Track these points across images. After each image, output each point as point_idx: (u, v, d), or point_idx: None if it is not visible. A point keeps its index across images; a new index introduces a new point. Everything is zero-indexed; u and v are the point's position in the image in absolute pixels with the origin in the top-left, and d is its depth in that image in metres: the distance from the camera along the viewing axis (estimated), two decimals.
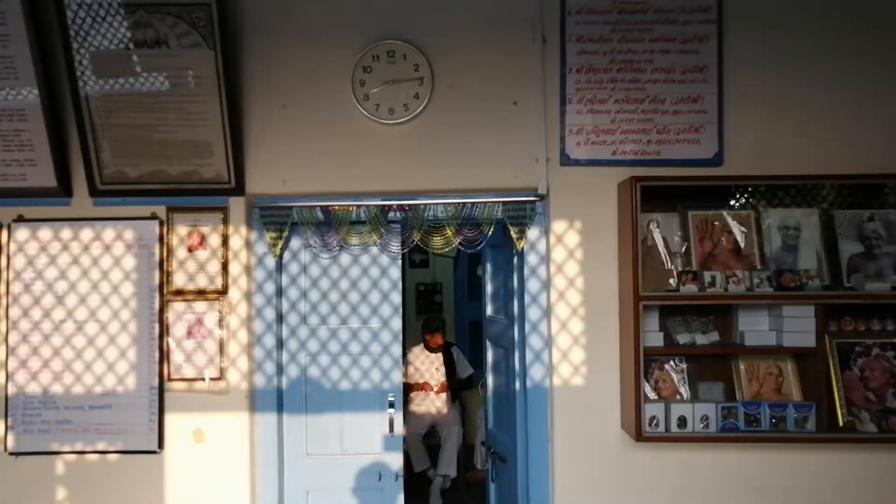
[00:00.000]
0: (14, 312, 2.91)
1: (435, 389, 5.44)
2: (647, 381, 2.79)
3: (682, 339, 2.80)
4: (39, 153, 2.84)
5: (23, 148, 2.84)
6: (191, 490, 2.90)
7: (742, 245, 2.80)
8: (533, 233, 2.92)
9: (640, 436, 2.63)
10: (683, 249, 2.84)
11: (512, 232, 2.90)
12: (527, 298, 2.93)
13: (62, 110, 2.86)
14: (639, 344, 2.63)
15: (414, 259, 7.08)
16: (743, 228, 2.81)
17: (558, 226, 2.90)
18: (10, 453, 2.89)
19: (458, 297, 7.22)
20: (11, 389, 2.89)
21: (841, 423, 2.69)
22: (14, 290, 2.91)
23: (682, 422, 2.67)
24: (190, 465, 2.90)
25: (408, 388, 5.41)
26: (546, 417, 2.90)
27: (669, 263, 2.81)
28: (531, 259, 2.93)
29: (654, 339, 2.75)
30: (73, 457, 2.90)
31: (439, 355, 5.67)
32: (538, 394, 2.91)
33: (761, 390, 2.79)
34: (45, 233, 2.92)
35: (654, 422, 2.68)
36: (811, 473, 2.80)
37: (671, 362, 2.83)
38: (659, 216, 2.85)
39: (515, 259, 3.07)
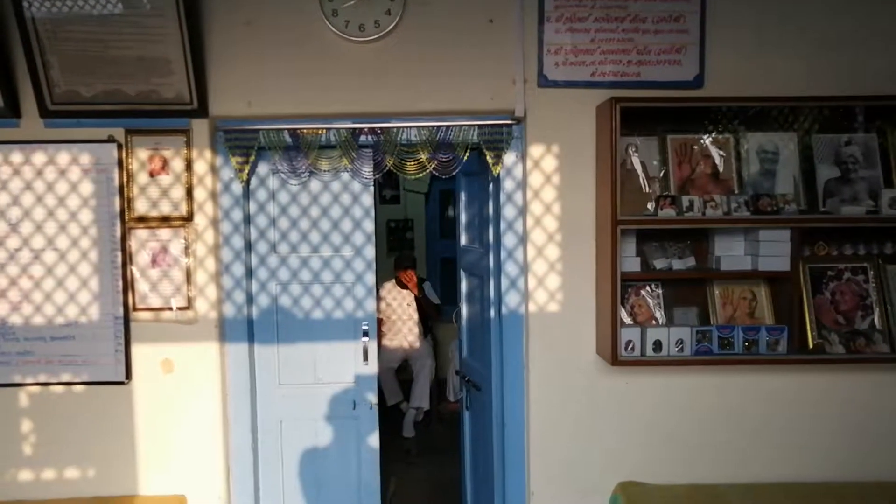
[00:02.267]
0: None
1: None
2: (623, 307, 2.78)
3: (659, 264, 2.78)
4: None
5: None
6: (161, 421, 2.84)
7: (720, 169, 2.77)
8: (509, 157, 2.84)
9: (615, 360, 2.63)
10: (662, 174, 2.80)
11: (488, 157, 2.82)
12: (502, 225, 2.88)
13: (3, 22, 2.65)
14: (616, 269, 2.60)
15: (385, 195, 6.97)
16: (722, 153, 2.77)
17: (535, 150, 2.82)
18: None
19: (429, 233, 7.18)
20: None
21: (811, 346, 2.72)
22: None
23: (658, 346, 2.68)
24: (159, 396, 2.84)
25: (379, 324, 5.40)
26: (521, 344, 2.89)
27: (647, 188, 2.77)
28: (507, 185, 2.86)
29: (631, 264, 2.72)
30: (36, 389, 2.81)
31: (411, 291, 5.65)
32: (513, 321, 2.89)
33: (735, 314, 2.80)
34: None
35: (630, 346, 2.68)
36: (782, 395, 2.84)
37: (647, 288, 2.82)
38: (638, 140, 2.79)
39: (491, 186, 3.00)
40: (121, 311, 2.80)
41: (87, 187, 2.78)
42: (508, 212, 2.87)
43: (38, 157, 2.76)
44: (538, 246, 2.85)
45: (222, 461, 2.87)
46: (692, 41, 2.78)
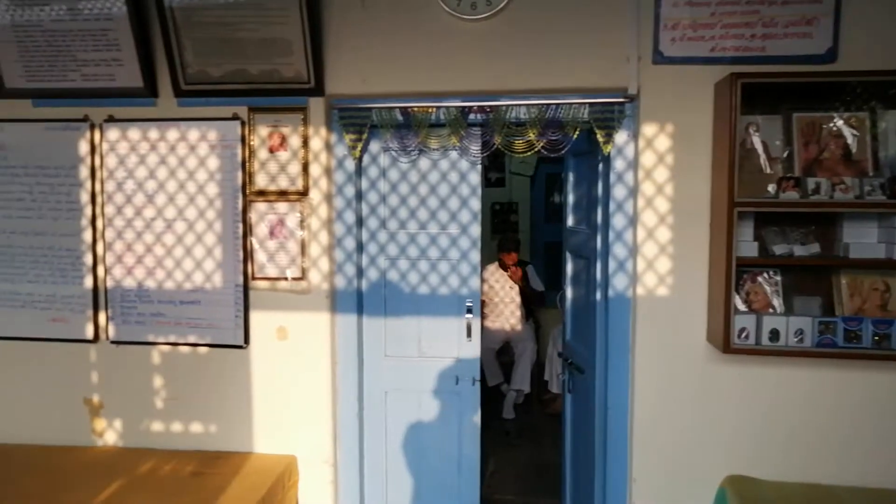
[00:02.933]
0: (109, 210, 3.02)
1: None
2: (738, 293, 2.65)
3: (779, 250, 2.64)
4: (126, 53, 2.88)
5: (110, 48, 2.88)
6: (275, 384, 3.01)
7: (853, 150, 2.58)
8: (620, 136, 2.78)
9: (727, 347, 2.52)
10: (785, 155, 2.64)
11: (598, 136, 2.76)
12: (611, 206, 2.82)
13: (145, 8, 2.86)
14: (731, 253, 2.49)
15: (490, 178, 6.97)
16: (855, 132, 2.58)
17: (648, 129, 2.74)
18: (112, 342, 3.06)
19: (534, 217, 7.11)
20: (110, 283, 3.04)
21: None
22: (108, 189, 3.02)
23: (775, 335, 2.55)
24: (274, 361, 3.00)
25: (481, 306, 5.42)
26: (627, 328, 2.83)
27: (768, 169, 2.62)
28: (618, 164, 2.80)
29: (748, 249, 2.60)
30: (167, 348, 3.05)
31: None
32: (620, 304, 2.83)
33: (864, 306, 2.61)
34: (133, 133, 2.99)
35: (744, 334, 2.56)
36: None
37: (765, 274, 2.68)
38: (759, 119, 2.64)
39: (600, 165, 2.94)
40: (241, 279, 2.98)
41: (213, 162, 2.96)
42: (618, 192, 2.80)
43: (172, 134, 2.97)
44: (648, 228, 2.77)
45: (330, 426, 3.01)
46: (825, 12, 2.60)
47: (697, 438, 2.78)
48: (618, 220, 2.81)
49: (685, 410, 2.78)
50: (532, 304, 5.71)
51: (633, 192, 2.78)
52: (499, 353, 5.57)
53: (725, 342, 2.52)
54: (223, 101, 2.93)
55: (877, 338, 2.51)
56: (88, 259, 3.06)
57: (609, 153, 2.79)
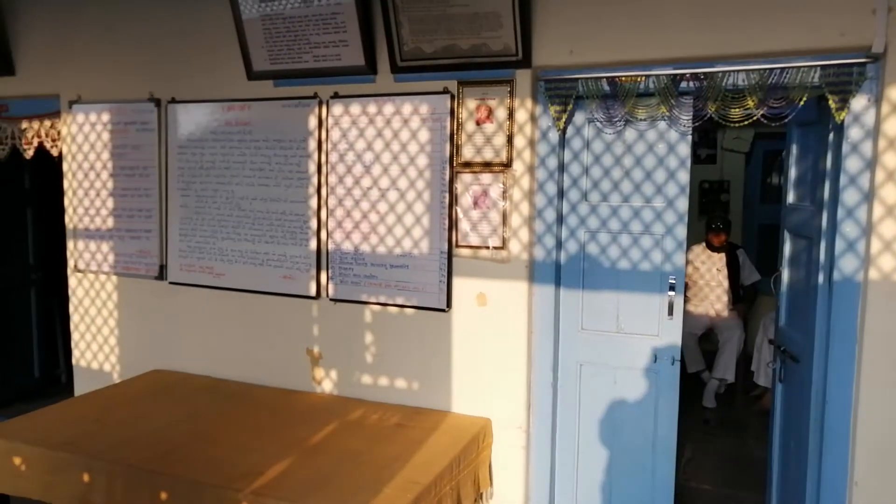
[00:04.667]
0: (332, 179, 3.33)
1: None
2: None
3: None
4: (351, 34, 3.13)
5: (338, 30, 3.15)
6: (474, 348, 3.13)
7: None
8: (858, 102, 2.49)
9: None
10: None
11: (831, 101, 2.50)
12: (842, 180, 2.54)
13: None
14: None
15: (699, 154, 6.56)
16: None
17: (895, 92, 2.42)
18: (331, 299, 3.39)
19: (748, 197, 6.59)
20: (331, 246, 3.36)
21: None
22: (331, 160, 3.32)
23: None
24: (474, 326, 3.13)
25: (685, 289, 5.18)
26: (855, 315, 2.55)
27: None
28: (853, 133, 2.51)
29: None
30: (377, 307, 3.31)
31: (722, 256, 5.33)
32: (847, 288, 2.56)
33: None
34: (354, 108, 3.25)
35: None
36: None
37: None
38: None
39: (831, 135, 2.65)
40: (445, 246, 3.13)
41: (424, 134, 3.13)
42: (852, 164, 2.52)
43: (388, 108, 3.19)
44: (888, 204, 2.46)
45: (524, 394, 3.08)
46: None
47: None
48: (849, 196, 2.53)
49: None
50: (745, 299, 5.37)
51: (871, 163, 2.48)
52: (701, 339, 5.29)
53: None
54: (435, 75, 3.08)
55: None
56: (313, 224, 3.39)
57: (843, 121, 2.51)
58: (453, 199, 3.10)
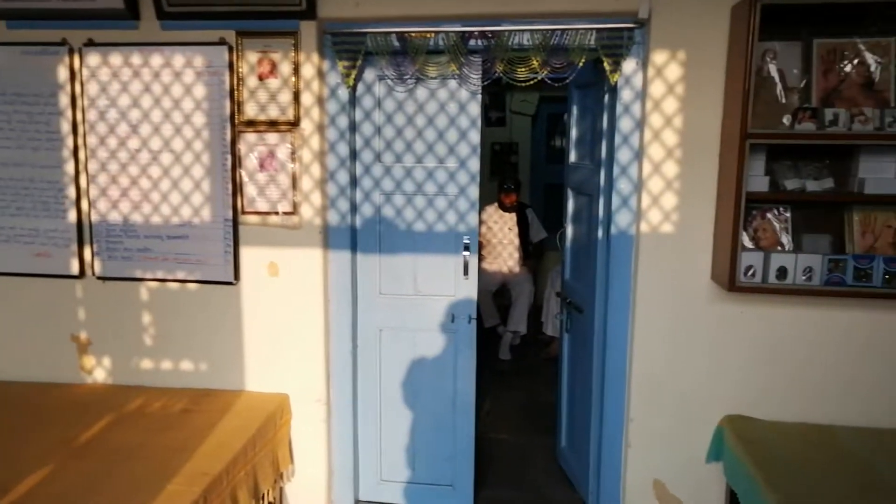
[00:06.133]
0: (91, 140, 2.89)
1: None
2: (746, 231, 2.56)
3: (791, 185, 2.53)
4: None
5: None
6: (267, 321, 2.93)
7: (875, 79, 2.44)
8: (628, 65, 2.63)
9: (732, 285, 2.45)
10: (802, 84, 2.51)
11: (605, 63, 2.62)
12: (617, 139, 2.70)
13: None
14: (741, 187, 2.38)
15: (490, 117, 6.78)
16: (879, 59, 2.44)
17: (658, 56, 2.59)
18: (98, 278, 2.97)
19: (535, 158, 6.96)
20: (95, 217, 2.93)
21: None
22: (90, 118, 2.88)
23: (782, 273, 2.46)
24: (266, 298, 2.92)
25: (479, 247, 5.35)
26: (629, 266, 2.74)
27: (784, 99, 2.49)
28: (625, 95, 2.66)
29: (758, 184, 2.49)
30: (155, 284, 2.96)
31: (513, 215, 5.56)
32: (622, 241, 2.74)
33: (875, 244, 2.52)
34: (115, 58, 2.83)
35: (751, 272, 2.48)
36: None
37: (774, 211, 2.58)
38: (777, 45, 2.50)
39: (606, 97, 2.80)
40: (230, 213, 2.87)
41: (199, 90, 2.82)
42: (624, 124, 2.67)
43: (156, 60, 2.82)
44: (655, 162, 2.65)
45: (323, 364, 2.95)
46: None
47: (698, 378, 2.74)
48: (623, 155, 2.69)
49: (686, 349, 2.73)
50: (534, 255, 5.68)
51: (640, 124, 2.65)
52: (495, 294, 5.52)
53: (731, 280, 2.44)
54: (209, 24, 2.77)
55: (887, 276, 2.43)
56: (71, 192, 2.94)
57: (616, 83, 2.65)
58: (237, 162, 2.84)
